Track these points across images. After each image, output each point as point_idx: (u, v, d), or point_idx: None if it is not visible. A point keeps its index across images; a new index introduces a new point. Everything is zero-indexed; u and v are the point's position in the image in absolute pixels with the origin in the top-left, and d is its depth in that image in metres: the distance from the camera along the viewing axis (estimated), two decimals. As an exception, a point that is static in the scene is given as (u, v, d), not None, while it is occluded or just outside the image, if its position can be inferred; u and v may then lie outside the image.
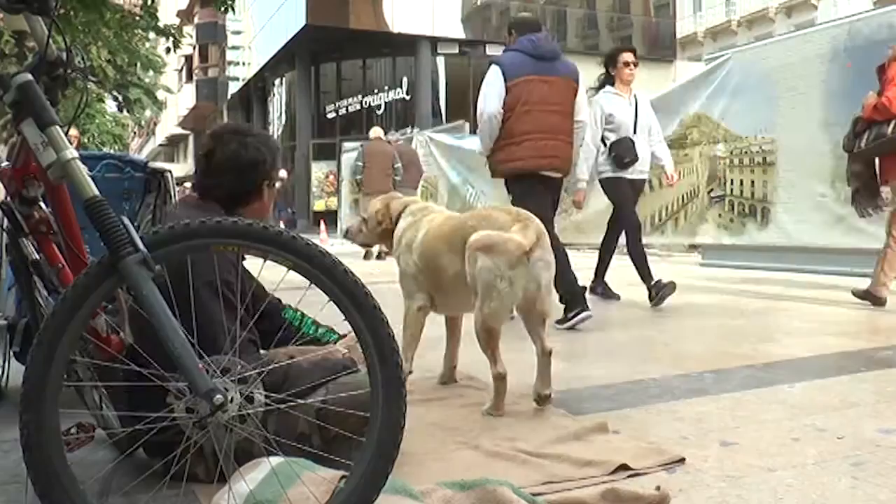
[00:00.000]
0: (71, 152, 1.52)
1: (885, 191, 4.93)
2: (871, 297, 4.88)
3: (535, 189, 4.15)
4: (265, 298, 2.26)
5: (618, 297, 5.57)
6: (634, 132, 5.40)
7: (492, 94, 4.15)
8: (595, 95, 5.48)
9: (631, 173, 5.42)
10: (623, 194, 5.46)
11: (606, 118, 5.38)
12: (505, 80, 4.12)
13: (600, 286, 5.68)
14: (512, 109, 4.13)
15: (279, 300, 2.39)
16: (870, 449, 2.10)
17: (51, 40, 1.64)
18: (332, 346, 2.33)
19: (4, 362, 2.82)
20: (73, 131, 9.48)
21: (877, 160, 4.87)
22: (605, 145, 5.39)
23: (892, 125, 4.61)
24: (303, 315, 2.46)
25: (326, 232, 16.60)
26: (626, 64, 5.46)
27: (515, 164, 4.18)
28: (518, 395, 2.63)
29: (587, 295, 5.08)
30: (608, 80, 5.54)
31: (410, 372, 2.81)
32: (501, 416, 2.50)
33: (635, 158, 5.37)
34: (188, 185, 22.66)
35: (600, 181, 5.54)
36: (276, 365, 1.79)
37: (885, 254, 4.83)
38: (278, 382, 1.76)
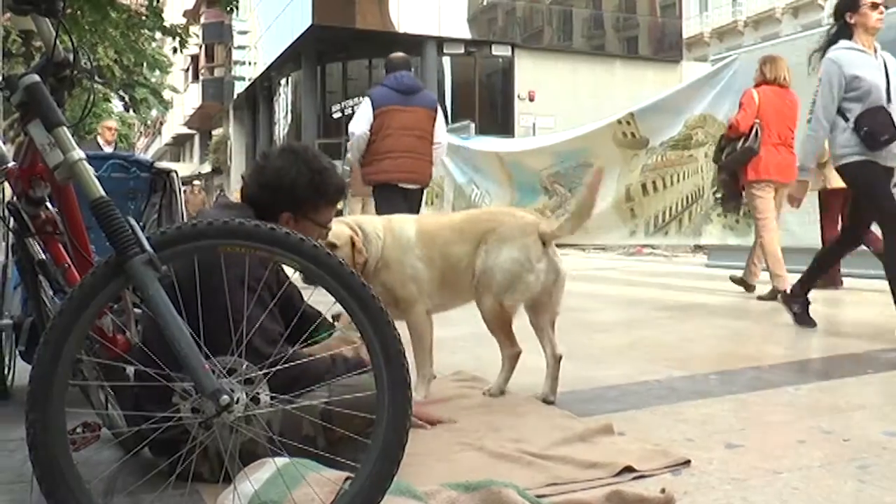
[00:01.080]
0: (78, 153, 1.53)
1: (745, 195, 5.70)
2: (745, 284, 5.89)
3: (393, 197, 5.05)
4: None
5: (814, 324, 4.20)
6: (888, 101, 3.91)
7: (361, 120, 5.11)
8: (826, 54, 4.04)
9: (885, 158, 3.89)
10: (877, 179, 3.91)
11: (848, 82, 3.91)
12: (373, 108, 5.06)
13: (799, 302, 4.26)
14: (377, 133, 5.05)
15: (320, 313, 2.30)
16: (876, 451, 2.10)
17: (57, 41, 1.64)
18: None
19: (10, 361, 2.84)
20: (112, 123, 9.60)
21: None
22: (844, 119, 3.92)
23: (741, 142, 5.44)
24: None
25: (331, 232, 16.58)
26: (874, 6, 3.97)
27: (379, 175, 5.12)
28: (522, 398, 2.63)
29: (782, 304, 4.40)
30: (843, 32, 4.06)
31: (434, 377, 2.81)
32: (503, 395, 2.63)
33: (895, 135, 3.86)
34: (197, 183, 22.70)
35: (839, 168, 4.03)
36: (289, 364, 1.79)
37: (754, 250, 5.81)
38: (290, 382, 1.76)
